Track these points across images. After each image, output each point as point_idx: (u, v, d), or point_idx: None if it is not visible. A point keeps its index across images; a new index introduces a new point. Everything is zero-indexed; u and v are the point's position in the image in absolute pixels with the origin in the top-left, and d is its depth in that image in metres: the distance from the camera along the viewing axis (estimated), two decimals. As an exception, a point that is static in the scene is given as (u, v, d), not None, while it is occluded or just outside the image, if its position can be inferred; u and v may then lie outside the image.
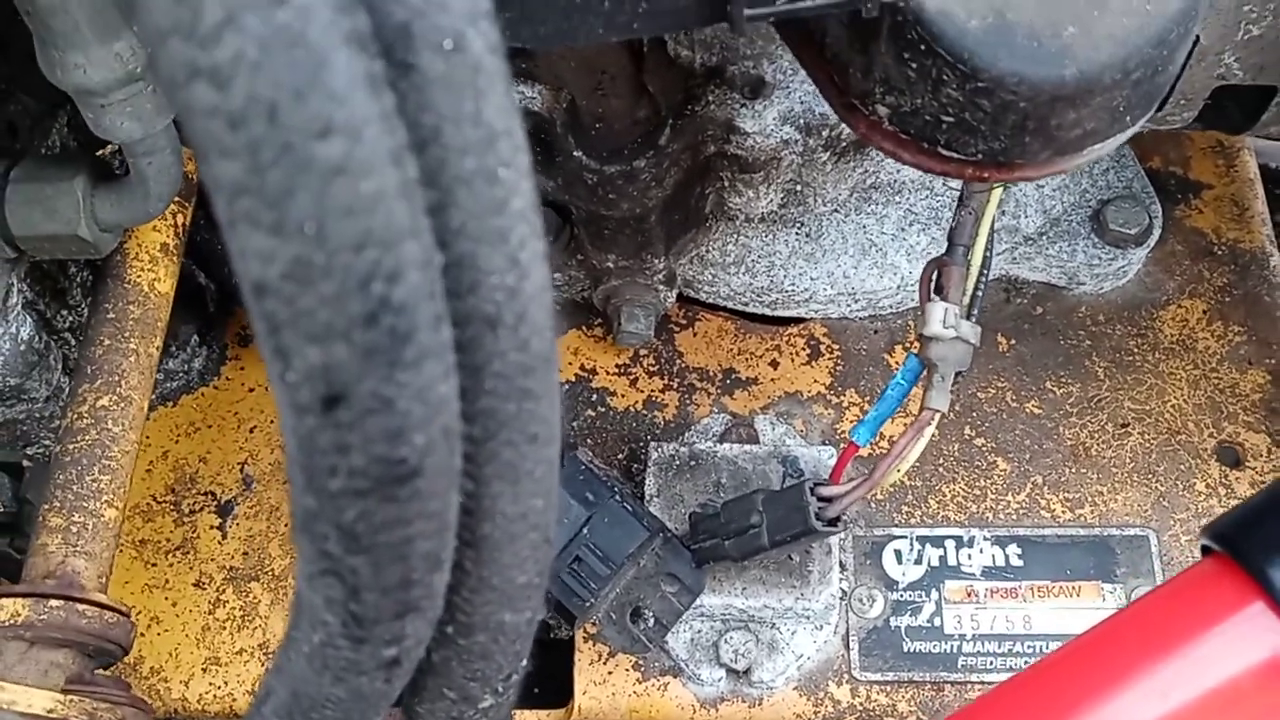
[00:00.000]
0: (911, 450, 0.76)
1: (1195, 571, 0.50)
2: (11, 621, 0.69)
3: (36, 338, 0.85)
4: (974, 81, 0.57)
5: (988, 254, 0.77)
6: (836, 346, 1.01)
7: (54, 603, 0.70)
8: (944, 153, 0.62)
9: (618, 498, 0.82)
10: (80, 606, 0.70)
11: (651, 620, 0.84)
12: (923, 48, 0.57)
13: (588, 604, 0.80)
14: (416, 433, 0.34)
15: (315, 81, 0.28)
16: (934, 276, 0.77)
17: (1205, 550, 0.50)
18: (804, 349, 1.01)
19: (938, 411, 0.76)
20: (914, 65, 0.58)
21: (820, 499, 0.77)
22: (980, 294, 0.77)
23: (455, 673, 0.49)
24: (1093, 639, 0.50)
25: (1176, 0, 0.56)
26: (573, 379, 1.02)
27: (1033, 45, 0.56)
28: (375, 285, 0.31)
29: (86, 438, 0.76)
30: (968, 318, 0.77)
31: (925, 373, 0.77)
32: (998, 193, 0.76)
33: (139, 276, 0.82)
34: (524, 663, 0.50)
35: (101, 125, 0.68)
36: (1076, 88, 0.56)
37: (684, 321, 1.03)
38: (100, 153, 0.84)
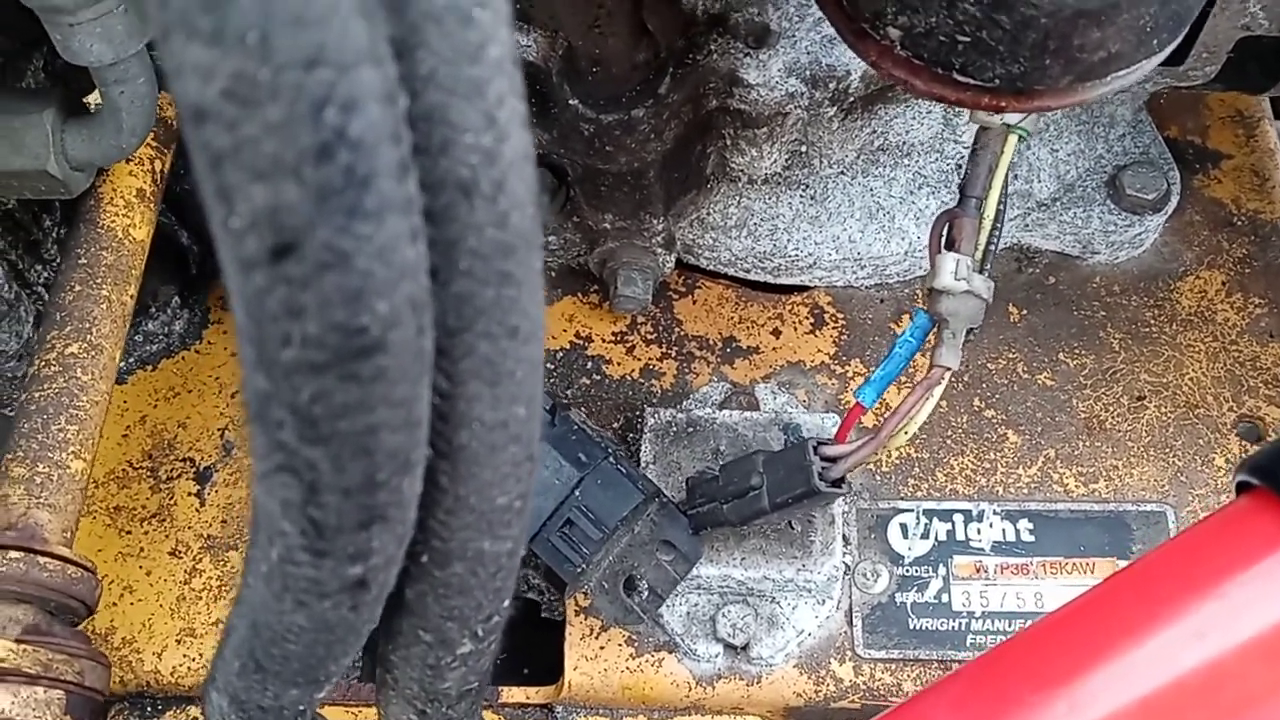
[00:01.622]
0: (920, 410, 0.73)
1: (1233, 509, 0.46)
2: (-33, 574, 0.65)
3: (6, 287, 0.81)
4: (994, -6, 0.53)
5: (1001, 206, 0.73)
6: (841, 315, 0.97)
7: (13, 554, 0.66)
8: (959, 79, 0.59)
9: (612, 459, 0.78)
10: (41, 559, 0.67)
11: (646, 590, 0.80)
12: (940, -42, 0.53)
13: (579, 569, 0.76)
14: (378, 298, 0.30)
15: None
16: (945, 230, 0.74)
17: (1241, 488, 0.47)
18: (807, 318, 0.97)
19: (948, 369, 0.72)
20: (930, -22, 0.55)
21: (824, 459, 0.73)
22: (994, 248, 0.74)
23: (431, 610, 0.45)
24: (1121, 580, 0.46)
25: (1211, -94, 0.53)
26: (567, 346, 0.98)
27: (1057, -46, 0.52)
28: (329, 112, 0.27)
29: (53, 386, 0.73)
30: (980, 271, 0.73)
31: (935, 329, 0.73)
32: (1012, 141, 0.73)
33: (113, 222, 0.78)
34: (506, 603, 0.46)
35: (70, 48, 0.64)
36: (1102, 2, 0.53)
37: (683, 289, 1.00)
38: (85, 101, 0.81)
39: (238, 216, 0.28)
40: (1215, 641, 0.42)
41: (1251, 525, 0.44)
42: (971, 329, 0.73)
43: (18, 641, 0.61)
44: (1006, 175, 0.73)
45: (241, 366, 0.32)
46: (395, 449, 0.34)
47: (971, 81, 0.58)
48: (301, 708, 0.45)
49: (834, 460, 0.73)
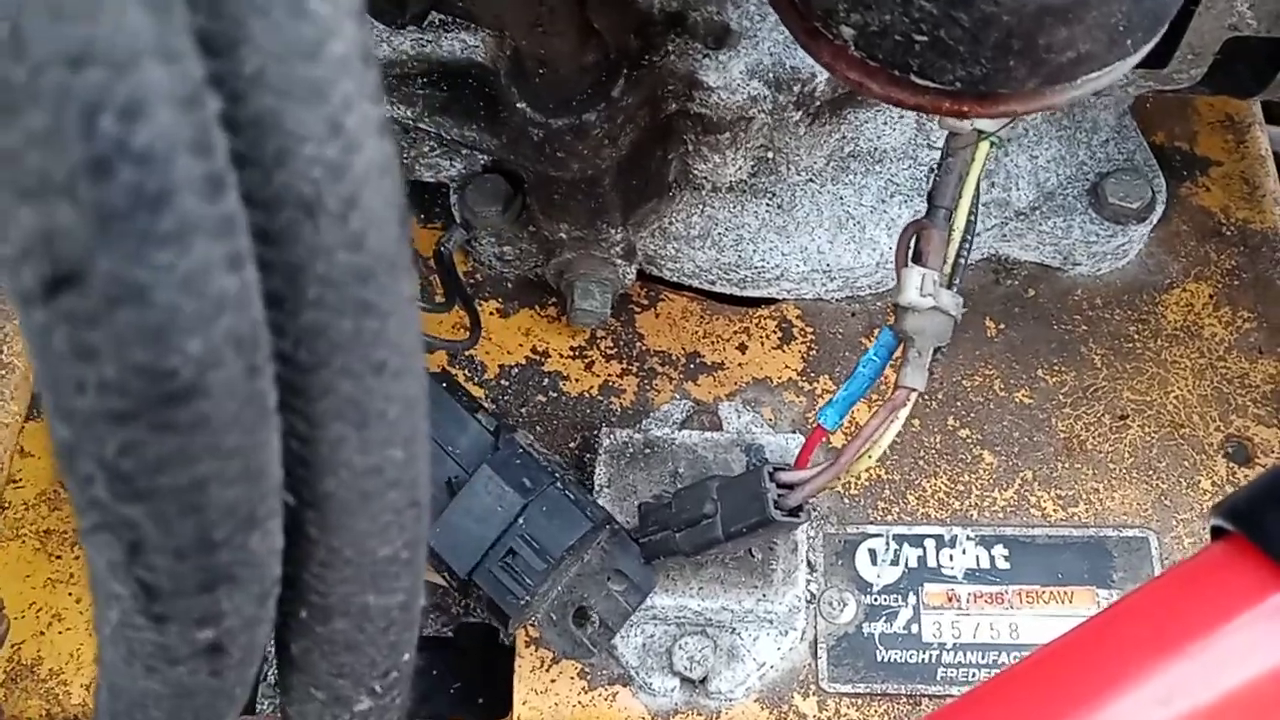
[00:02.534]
0: (884, 434, 0.68)
1: (1206, 556, 0.41)
2: None
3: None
4: (951, -11, 0.49)
5: (972, 217, 0.69)
6: (810, 330, 0.93)
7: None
8: (917, 81, 0.54)
9: (559, 485, 0.73)
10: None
11: (597, 622, 0.76)
12: (892, -50, 0.49)
13: (523, 602, 0.72)
14: (188, 335, 0.25)
15: None
16: (912, 241, 0.69)
17: (1216, 533, 0.42)
18: (775, 332, 0.93)
19: (914, 390, 0.68)
20: (882, -27, 0.50)
21: (780, 485, 0.69)
22: (964, 261, 0.69)
23: (319, 668, 0.40)
24: (1084, 634, 0.42)
25: (1187, -107, 0.48)
26: (523, 361, 0.93)
27: (1019, -55, 0.48)
28: (104, 120, 0.22)
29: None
30: (949, 287, 0.69)
31: (900, 348, 0.69)
32: (984, 149, 0.69)
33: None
34: (406, 657, 0.42)
35: None
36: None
37: (645, 302, 0.95)
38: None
39: (8, 243, 0.24)
40: (1179, 706, 0.38)
41: (1223, 577, 0.40)
42: (939, 347, 0.69)
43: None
44: (979, 184, 0.69)
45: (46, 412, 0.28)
46: (232, 503, 0.30)
47: (931, 84, 0.54)
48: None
49: (791, 487, 0.69)
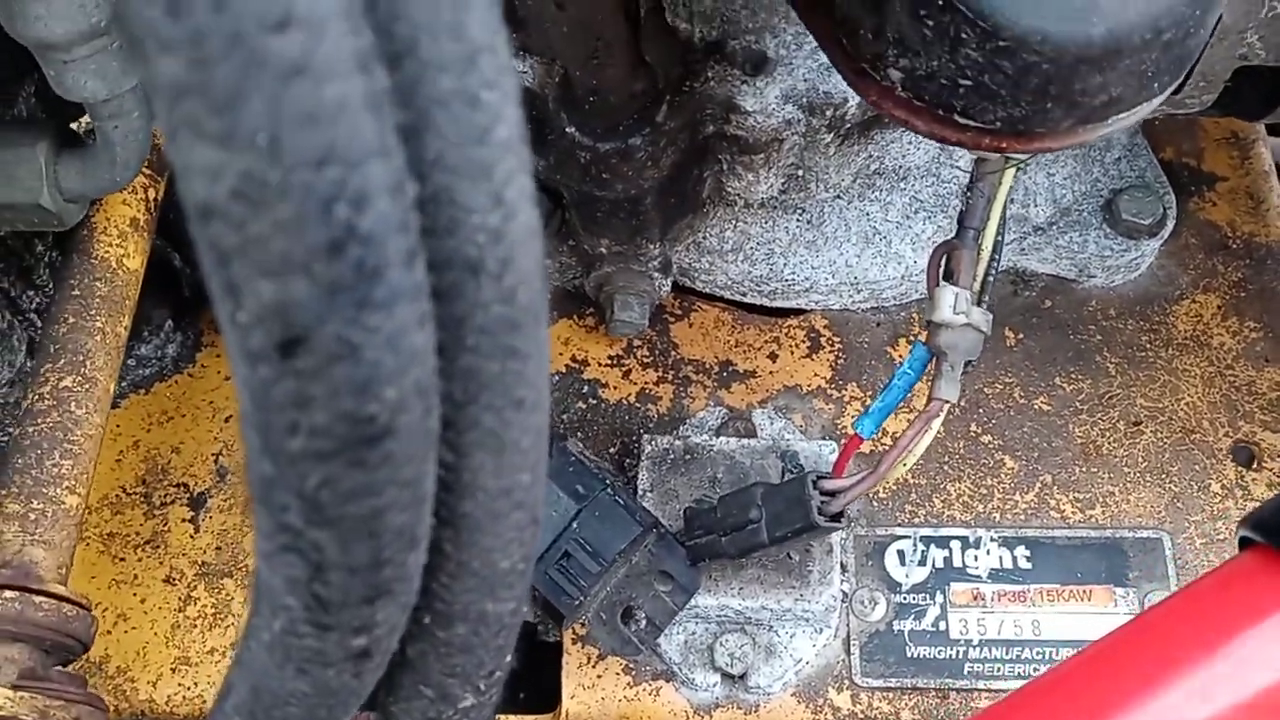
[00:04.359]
0: (918, 443, 0.73)
1: (1235, 565, 0.46)
2: (-38, 614, 0.64)
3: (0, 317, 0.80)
4: (994, 40, 0.53)
5: (999, 238, 0.73)
6: (837, 339, 0.97)
7: (8, 594, 0.66)
8: (960, 120, 0.58)
9: (609, 491, 0.78)
10: (37, 599, 0.66)
11: (644, 621, 0.80)
12: (940, 4, 0.53)
13: (576, 602, 0.76)
14: (387, 386, 0.30)
15: (270, -38, 0.24)
16: (943, 261, 0.74)
17: (1244, 543, 0.47)
18: (804, 341, 0.97)
19: (947, 402, 0.72)
20: (930, 23, 0.54)
21: (823, 493, 0.73)
22: (992, 279, 0.74)
23: (433, 668, 0.45)
24: (1124, 636, 0.46)
25: (1214, -45, 0.53)
26: (563, 370, 0.98)
27: (1058, 1, 0.52)
28: (339, 209, 0.27)
29: (48, 420, 0.72)
30: (978, 304, 0.73)
31: (933, 362, 0.73)
32: (1010, 173, 0.73)
33: (106, 252, 0.78)
34: (508, 659, 0.46)
35: (64, 84, 0.64)
36: (1104, 48, 0.53)
37: (679, 312, 0.99)
38: (73, 125, 0.80)
39: (245, 312, 0.28)
40: (1220, 701, 0.42)
41: (1255, 584, 0.44)
42: (970, 361, 0.73)
43: (14, 688, 0.61)
44: (1005, 206, 0.73)
45: (246, 448, 0.32)
46: (402, 527, 0.34)
47: (973, 124, 0.58)
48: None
49: (833, 495, 0.73)
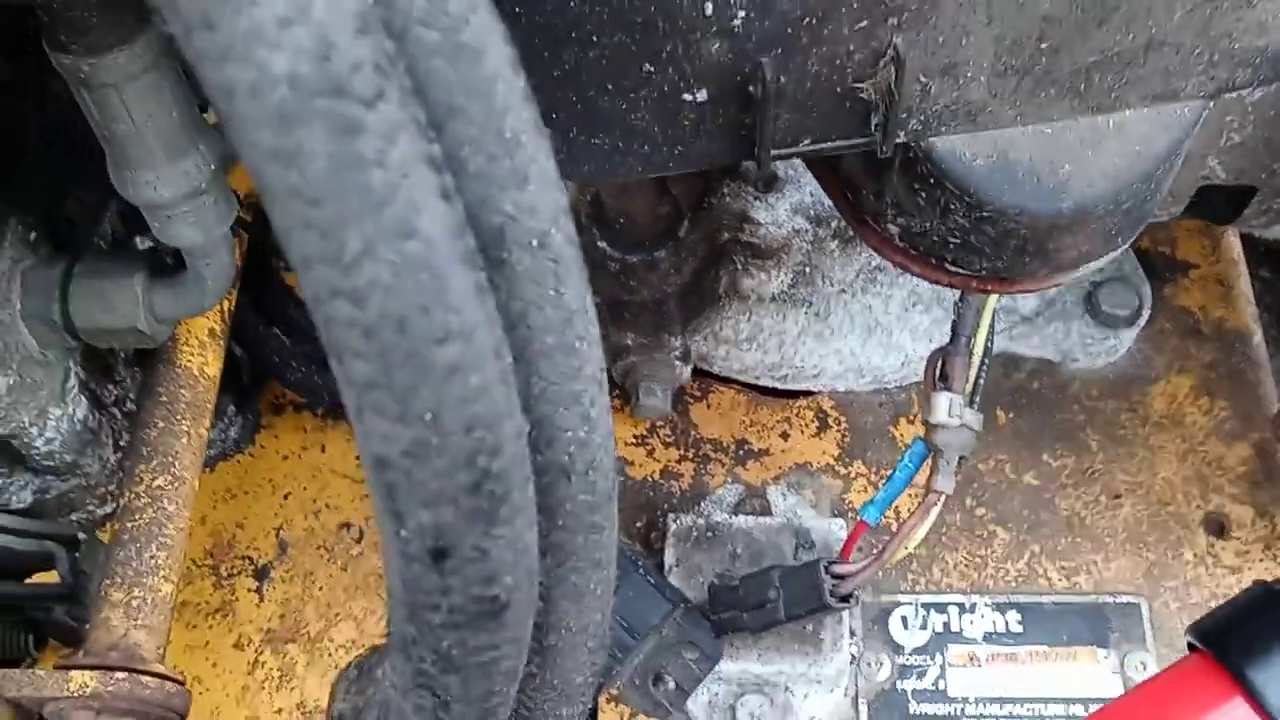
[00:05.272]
0: (918, 530, 0.81)
1: (1181, 667, 0.55)
2: (80, 692, 0.74)
3: (90, 417, 0.89)
4: (979, 211, 0.62)
5: (988, 344, 0.82)
6: (844, 419, 1.06)
7: (119, 675, 0.75)
8: (950, 269, 0.68)
9: (641, 571, 0.87)
10: (144, 678, 0.75)
11: (672, 684, 0.89)
12: (931, 180, 0.62)
13: (613, 671, 0.85)
14: (507, 575, 0.39)
15: (438, 299, 0.33)
16: (939, 366, 0.82)
17: (1191, 646, 0.56)
18: (813, 421, 1.06)
19: (943, 494, 0.81)
20: (923, 194, 0.64)
21: (834, 577, 0.82)
22: (982, 382, 0.82)
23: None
24: (1089, 730, 0.55)
25: (1163, 142, 0.62)
26: (593, 449, 1.06)
27: (1033, 181, 0.61)
28: (480, 459, 0.36)
29: (144, 516, 0.81)
30: (970, 405, 0.82)
31: (931, 456, 0.82)
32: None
33: (189, 361, 0.87)
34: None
35: (166, 233, 0.73)
36: (1073, 218, 0.62)
37: (698, 394, 1.09)
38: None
39: (407, 530, 0.37)
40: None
41: (1195, 686, 0.53)
42: (963, 456, 0.82)
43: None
44: (994, 316, 0.82)
45: (389, 612, 0.41)
46: (510, 670, 0.43)
47: (961, 271, 0.68)
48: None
49: (843, 578, 0.82)
